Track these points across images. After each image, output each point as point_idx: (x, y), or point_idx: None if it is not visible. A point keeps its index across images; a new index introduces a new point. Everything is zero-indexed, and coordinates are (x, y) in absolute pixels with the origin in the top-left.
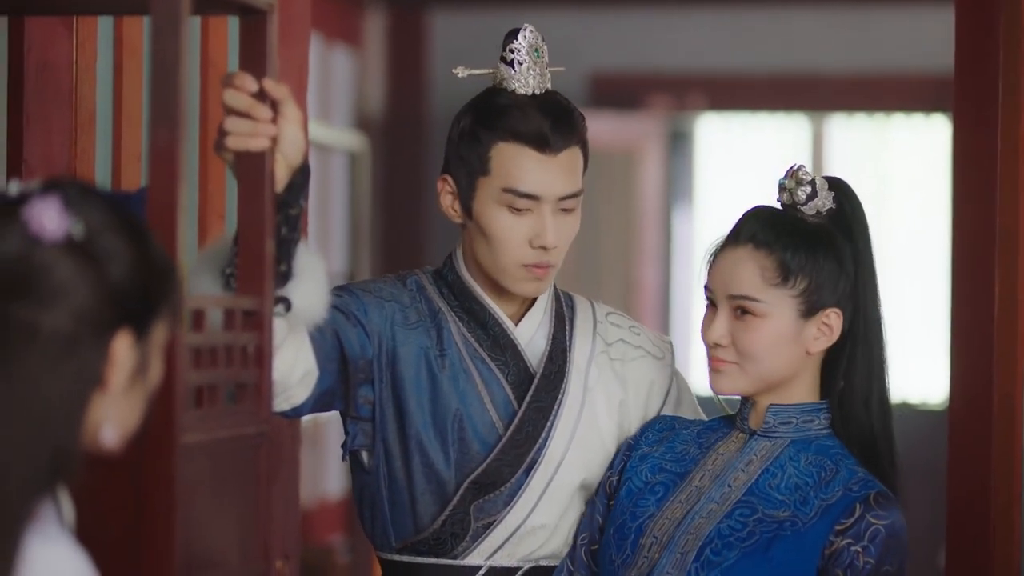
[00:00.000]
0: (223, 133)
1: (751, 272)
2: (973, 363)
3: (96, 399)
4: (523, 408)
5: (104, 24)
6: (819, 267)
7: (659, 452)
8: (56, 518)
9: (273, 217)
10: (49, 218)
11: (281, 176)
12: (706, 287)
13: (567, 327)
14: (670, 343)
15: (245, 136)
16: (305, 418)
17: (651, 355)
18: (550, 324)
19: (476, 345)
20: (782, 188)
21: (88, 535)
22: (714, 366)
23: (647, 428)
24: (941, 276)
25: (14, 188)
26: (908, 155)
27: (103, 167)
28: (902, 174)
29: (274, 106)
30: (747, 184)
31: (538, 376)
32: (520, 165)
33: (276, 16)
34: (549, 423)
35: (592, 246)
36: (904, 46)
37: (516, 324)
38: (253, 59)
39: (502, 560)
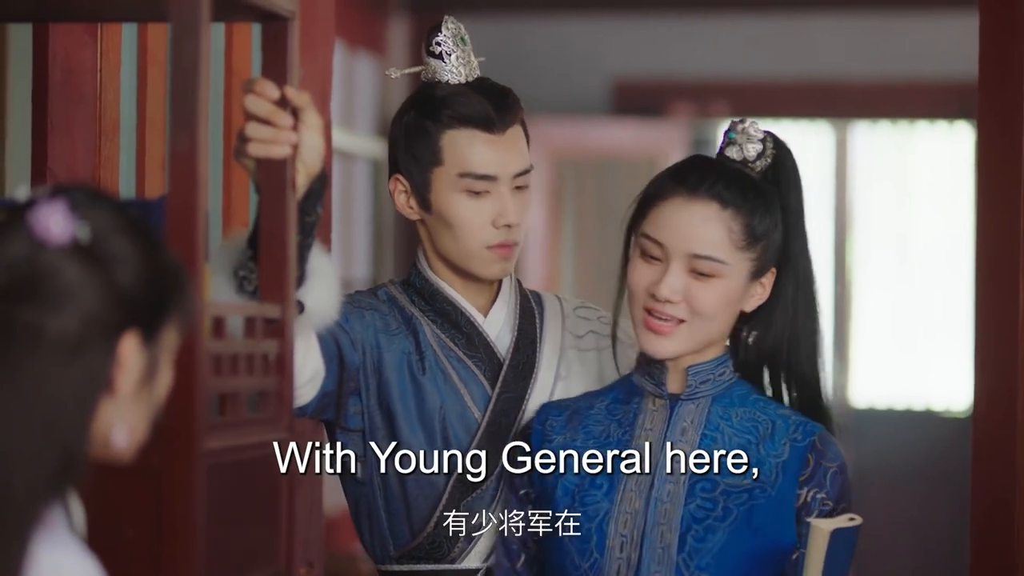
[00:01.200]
0: (244, 139)
1: (720, 234)
2: (997, 370)
3: (104, 402)
4: (493, 399)
5: (128, 31)
6: (775, 229)
7: (578, 440)
8: (65, 523)
9: (295, 225)
10: (55, 222)
11: (299, 183)
12: (649, 236)
13: (536, 320)
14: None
15: (266, 143)
16: None
17: (621, 342)
18: (515, 316)
19: (451, 345)
20: (731, 142)
21: (109, 542)
22: (657, 328)
23: (546, 417)
24: (965, 283)
25: (22, 194)
26: (932, 162)
27: (127, 174)
28: (926, 181)
29: (295, 113)
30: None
31: (505, 366)
32: (472, 148)
33: (298, 23)
34: (521, 412)
35: (614, 252)
36: (928, 53)
37: (484, 317)
38: (275, 65)
39: None
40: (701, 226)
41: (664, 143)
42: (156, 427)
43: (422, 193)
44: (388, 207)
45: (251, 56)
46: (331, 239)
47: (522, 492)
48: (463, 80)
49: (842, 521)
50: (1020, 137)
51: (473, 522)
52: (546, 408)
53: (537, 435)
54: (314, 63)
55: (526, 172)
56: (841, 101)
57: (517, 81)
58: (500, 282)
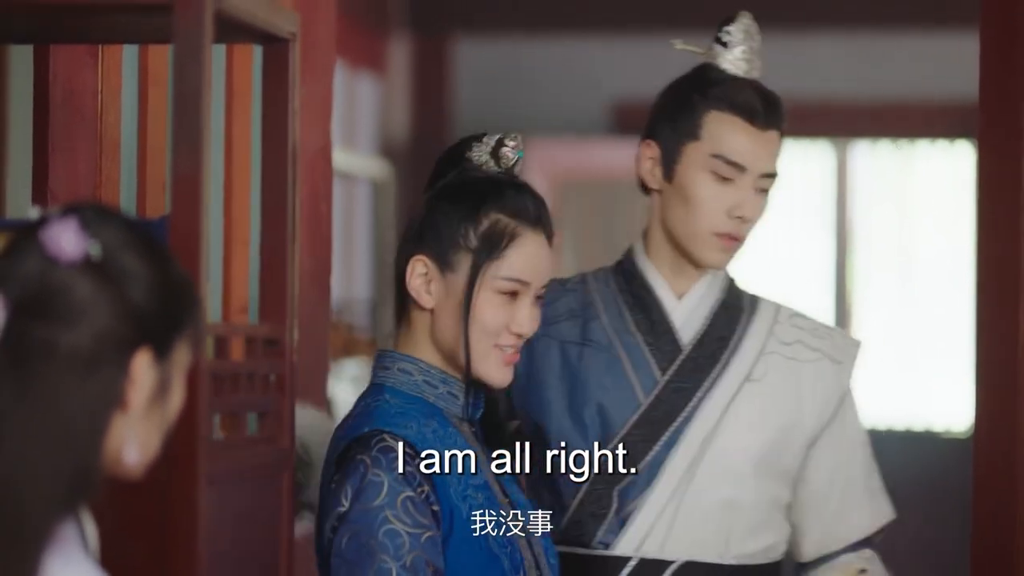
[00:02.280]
0: None
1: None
2: (998, 390)
3: (117, 419)
4: (661, 385)
5: (129, 52)
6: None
7: (454, 470)
8: (79, 540)
9: (294, 244)
10: (67, 239)
11: None
12: (515, 279)
13: (739, 320)
14: (856, 347)
15: None
16: None
17: (829, 358)
18: (711, 309)
19: (633, 328)
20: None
21: (114, 561)
22: (509, 360)
23: (420, 441)
24: (966, 302)
25: (34, 213)
26: (933, 182)
27: (128, 195)
28: (927, 201)
29: None
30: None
31: (683, 356)
32: (732, 133)
33: (298, 44)
34: (691, 404)
35: None
36: (928, 72)
37: (679, 300)
38: (276, 87)
39: (653, 551)
40: (548, 258)
41: None
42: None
43: (669, 163)
44: (389, 227)
45: (252, 77)
46: (331, 259)
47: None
48: (741, 74)
49: None
50: (1021, 156)
51: (628, 510)
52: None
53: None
54: (315, 83)
55: (772, 176)
56: (842, 120)
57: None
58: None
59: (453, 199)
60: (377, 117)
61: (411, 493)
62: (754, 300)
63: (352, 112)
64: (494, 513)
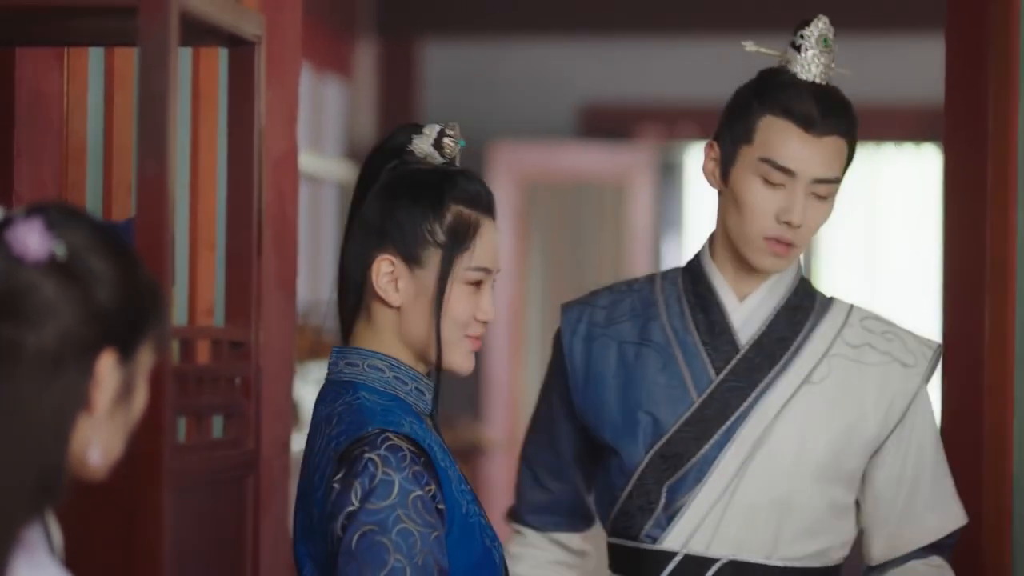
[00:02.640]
0: None
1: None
2: (964, 391)
3: (82, 421)
4: (715, 383)
5: (95, 55)
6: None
7: (445, 462)
8: (45, 544)
9: (260, 247)
10: (32, 239)
11: None
12: (483, 268)
13: (804, 322)
14: (932, 348)
15: None
16: (296, 448)
17: (898, 362)
18: (773, 311)
19: (692, 328)
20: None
21: (79, 564)
22: (475, 347)
23: (423, 439)
24: (932, 304)
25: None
26: (899, 184)
27: (93, 198)
28: (893, 203)
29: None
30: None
31: (739, 355)
32: (782, 138)
33: (264, 47)
34: (745, 404)
35: (582, 275)
36: (895, 76)
37: (741, 302)
38: (242, 90)
39: (698, 548)
40: (499, 246)
41: (632, 166)
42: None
43: (726, 165)
44: None
45: (218, 80)
46: (298, 262)
47: None
48: (811, 78)
49: None
50: (986, 160)
51: (677, 505)
52: (395, 421)
53: (430, 451)
54: (281, 86)
55: (829, 181)
56: None
57: (485, 105)
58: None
59: (412, 195)
60: (344, 120)
61: (420, 492)
62: (827, 302)
63: (319, 115)
64: (477, 506)
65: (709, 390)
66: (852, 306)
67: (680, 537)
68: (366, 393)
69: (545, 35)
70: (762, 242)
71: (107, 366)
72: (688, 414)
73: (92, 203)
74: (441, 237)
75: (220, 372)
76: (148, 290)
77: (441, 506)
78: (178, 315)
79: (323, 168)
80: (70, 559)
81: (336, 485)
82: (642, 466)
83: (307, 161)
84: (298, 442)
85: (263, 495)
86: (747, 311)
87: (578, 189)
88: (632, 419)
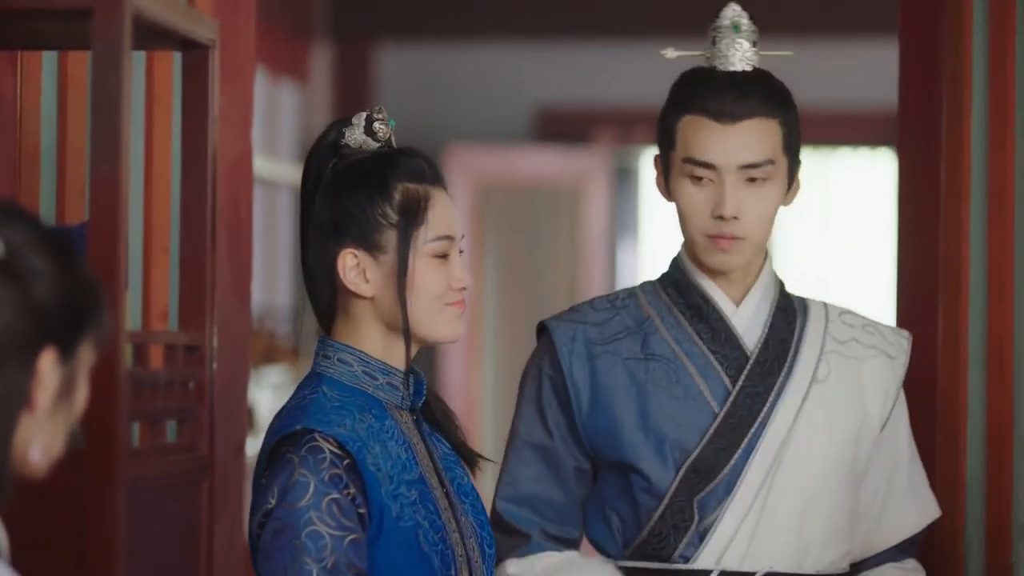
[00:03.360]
0: None
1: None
2: (918, 391)
3: (23, 419)
4: (735, 392)
5: (48, 58)
6: None
7: (385, 465)
8: None
9: (214, 250)
10: None
11: None
12: (444, 237)
13: (796, 321)
14: (907, 339)
15: None
16: (251, 453)
17: (884, 354)
18: (769, 313)
19: (695, 339)
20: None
21: (31, 569)
22: (459, 310)
23: (351, 441)
24: (886, 308)
25: None
26: (854, 188)
27: (47, 201)
28: (848, 207)
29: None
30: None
31: (751, 361)
32: (696, 134)
33: (218, 51)
34: (765, 409)
35: (538, 279)
36: (850, 80)
37: (736, 307)
38: (196, 93)
39: (733, 564)
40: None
41: (587, 170)
42: (78, 453)
43: (666, 175)
44: None
45: (172, 83)
46: (252, 266)
47: None
48: (731, 68)
49: None
50: (939, 163)
51: (708, 521)
52: (328, 421)
53: (358, 455)
54: (236, 90)
55: (757, 165)
56: None
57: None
58: (758, 276)
59: (356, 184)
60: (299, 124)
61: (337, 495)
62: (802, 301)
63: (274, 119)
64: (427, 509)
65: (731, 399)
66: (824, 303)
67: (713, 554)
68: (326, 387)
69: (501, 39)
70: (706, 240)
71: (48, 364)
72: (715, 425)
73: (46, 206)
74: (394, 217)
75: (174, 377)
76: (88, 287)
77: (363, 510)
78: (132, 319)
79: (278, 172)
80: (24, 564)
81: (263, 481)
82: (675, 484)
83: (262, 165)
84: (253, 446)
85: (217, 499)
86: (747, 316)
87: (534, 193)
88: (655, 437)
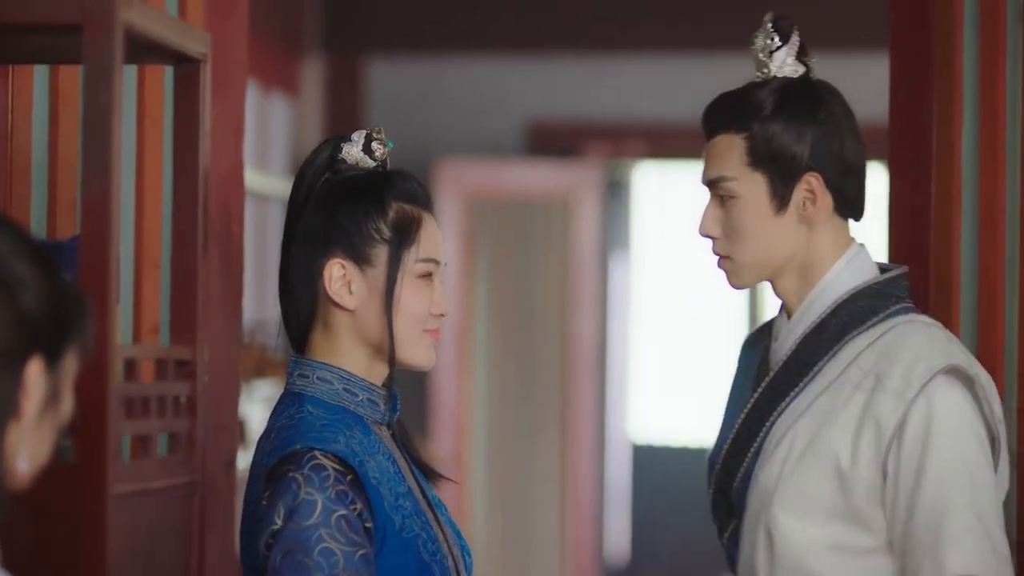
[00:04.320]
0: None
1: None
2: None
3: (10, 429)
4: (745, 412)
5: (40, 72)
6: None
7: (383, 478)
8: None
9: (205, 265)
10: None
11: None
12: (431, 260)
13: (828, 345)
14: (931, 372)
15: None
16: (242, 467)
17: (891, 391)
18: (805, 330)
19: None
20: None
21: None
22: (435, 340)
23: (354, 456)
24: None
25: None
26: None
27: (38, 216)
28: None
29: None
30: (684, 232)
31: (765, 382)
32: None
33: (210, 65)
34: (762, 433)
35: (529, 293)
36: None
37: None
38: (187, 107)
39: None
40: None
41: (578, 184)
42: (69, 467)
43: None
44: None
45: (164, 98)
46: (243, 280)
47: None
48: (756, 79)
49: None
50: (930, 178)
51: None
52: (328, 435)
53: (360, 469)
54: (227, 104)
55: (715, 183)
56: None
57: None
58: (803, 298)
59: (353, 198)
60: (290, 138)
61: (345, 511)
62: (854, 321)
63: (265, 133)
64: (421, 520)
65: (741, 420)
66: (885, 327)
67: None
68: (311, 407)
69: (491, 53)
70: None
71: (35, 373)
72: (727, 446)
73: (37, 221)
74: (387, 233)
75: (165, 391)
76: (73, 296)
77: (369, 524)
78: (123, 334)
79: (269, 185)
80: None
81: (264, 503)
82: (709, 499)
83: (253, 178)
84: (244, 460)
85: (208, 513)
86: (788, 330)
87: (524, 206)
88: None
